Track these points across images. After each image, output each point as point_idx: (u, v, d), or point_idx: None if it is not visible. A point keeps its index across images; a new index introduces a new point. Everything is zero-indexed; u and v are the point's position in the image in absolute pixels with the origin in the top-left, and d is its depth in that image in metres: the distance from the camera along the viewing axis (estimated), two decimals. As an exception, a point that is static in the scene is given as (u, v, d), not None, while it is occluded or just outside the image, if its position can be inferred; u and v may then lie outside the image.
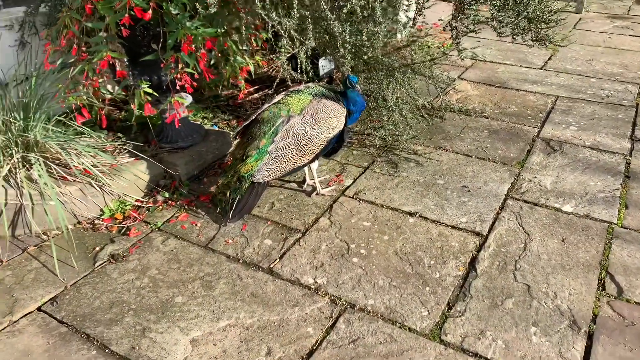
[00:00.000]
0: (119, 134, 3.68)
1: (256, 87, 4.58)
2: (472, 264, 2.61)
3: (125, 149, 3.52)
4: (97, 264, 2.68)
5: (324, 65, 4.37)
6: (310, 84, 3.08)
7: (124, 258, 2.72)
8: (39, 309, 2.40)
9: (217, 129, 3.98)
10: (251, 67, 3.58)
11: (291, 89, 3.05)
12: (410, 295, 2.42)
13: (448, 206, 3.05)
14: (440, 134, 3.93)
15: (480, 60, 5.57)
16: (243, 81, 3.70)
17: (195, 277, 2.56)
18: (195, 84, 2.84)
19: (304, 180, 3.32)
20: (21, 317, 2.35)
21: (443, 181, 3.31)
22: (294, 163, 2.91)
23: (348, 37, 2.81)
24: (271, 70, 4.82)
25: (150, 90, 2.96)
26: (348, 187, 3.29)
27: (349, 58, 2.91)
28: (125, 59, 3.14)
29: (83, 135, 3.38)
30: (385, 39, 3.55)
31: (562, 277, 2.50)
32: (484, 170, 3.42)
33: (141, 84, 2.97)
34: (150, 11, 2.49)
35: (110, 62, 2.69)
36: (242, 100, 4.32)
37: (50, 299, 2.45)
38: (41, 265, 2.67)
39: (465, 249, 2.71)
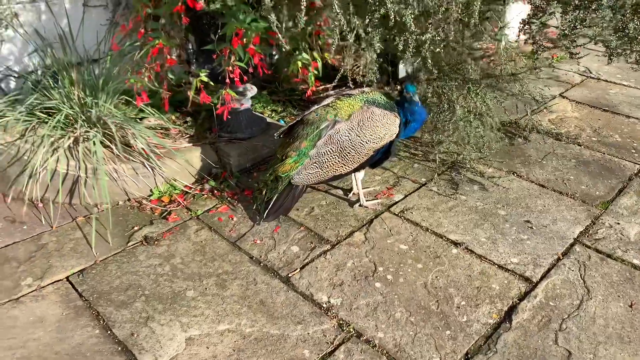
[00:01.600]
0: (188, 118, 3.79)
1: (331, 84, 4.45)
2: (509, 313, 2.27)
3: (187, 133, 3.61)
4: (129, 244, 2.75)
5: (402, 66, 4.12)
6: (366, 89, 2.89)
7: (156, 242, 2.77)
8: (67, 278, 2.52)
9: (283, 123, 3.93)
10: (319, 64, 3.46)
11: (345, 93, 2.88)
12: (426, 336, 2.16)
13: (502, 242, 2.70)
14: (518, 157, 3.52)
15: (593, 78, 4.92)
16: (312, 77, 3.60)
17: (213, 274, 2.53)
18: (245, 77, 2.79)
19: (351, 189, 3.14)
20: (49, 284, 2.48)
21: (505, 212, 2.94)
22: (335, 170, 2.76)
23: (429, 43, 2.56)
24: (346, 69, 4.65)
25: (206, 79, 2.97)
26: (396, 202, 3.05)
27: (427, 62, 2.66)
28: (191, 47, 3.19)
29: (150, 117, 3.52)
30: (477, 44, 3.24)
31: (617, 350, 2.08)
32: (557, 207, 2.98)
33: (200, 72, 2.99)
34: (201, 1, 2.46)
35: (163, 49, 2.72)
36: (313, 96, 4.22)
37: (79, 271, 2.56)
38: (82, 236, 2.81)
39: (507, 294, 2.37)
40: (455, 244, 2.70)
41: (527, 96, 3.65)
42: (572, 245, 2.67)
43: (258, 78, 4.28)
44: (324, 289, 2.42)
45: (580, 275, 2.46)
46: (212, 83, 2.97)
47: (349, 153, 2.71)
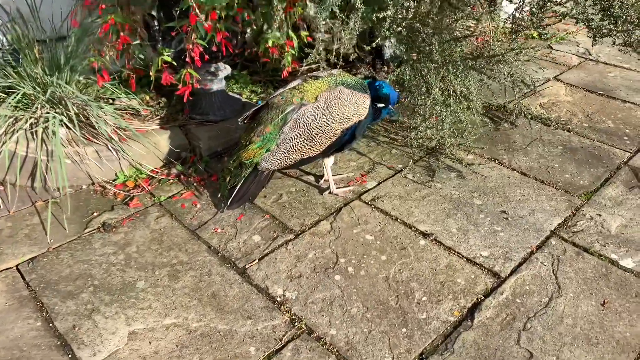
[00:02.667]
0: (163, 99, 3.66)
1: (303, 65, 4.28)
2: (472, 310, 2.14)
3: (158, 115, 3.48)
4: (86, 230, 2.65)
5: (389, 45, 3.93)
6: (334, 71, 2.74)
7: (114, 229, 2.66)
8: (16, 266, 2.42)
9: (260, 105, 3.78)
10: (295, 43, 3.29)
11: (312, 74, 2.73)
12: (381, 334, 2.04)
13: (473, 233, 2.56)
14: (502, 144, 3.34)
15: (592, 60, 4.69)
16: (289, 58, 3.43)
17: (168, 264, 2.42)
18: (207, 57, 2.64)
19: (323, 175, 3.00)
20: (-3, 272, 2.39)
21: (480, 201, 2.79)
22: (303, 154, 2.62)
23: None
24: (319, 48, 4.47)
25: (169, 59, 2.82)
26: (368, 190, 2.91)
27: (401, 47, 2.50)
28: (157, 24, 3.04)
29: (123, 97, 3.39)
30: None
31: (582, 352, 1.95)
32: (537, 196, 2.82)
33: (163, 50, 2.84)
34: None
35: (116, 26, 2.57)
36: (291, 78, 4.06)
37: (29, 259, 2.47)
38: (39, 222, 2.71)
39: (472, 290, 2.24)
40: (424, 234, 2.56)
41: (517, 79, 3.46)
42: (547, 238, 2.52)
43: (237, 57, 4.13)
44: (281, 282, 2.30)
45: (553, 270, 2.32)
46: (174, 63, 2.82)
47: (316, 134, 2.57)
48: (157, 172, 3.12)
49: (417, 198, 2.83)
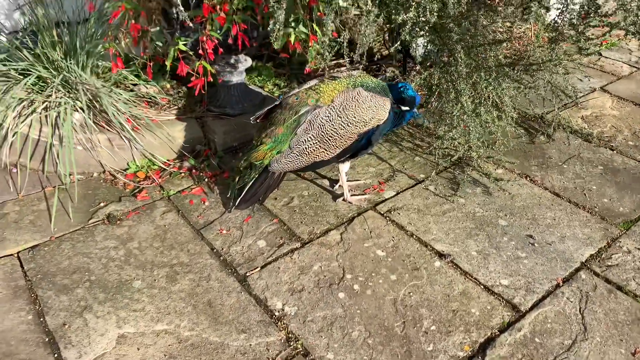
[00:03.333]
0: (184, 87, 3.56)
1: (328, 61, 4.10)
2: (485, 346, 1.95)
3: (176, 105, 3.39)
4: (91, 221, 2.58)
5: (421, 44, 3.71)
6: (354, 72, 2.57)
7: (118, 221, 2.59)
8: (17, 254, 2.37)
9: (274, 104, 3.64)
10: (319, 37, 3.12)
11: (330, 75, 2.57)
12: (381, 364, 1.89)
13: (494, 258, 2.36)
14: (536, 159, 3.10)
15: (645, 71, 4.34)
16: (313, 52, 3.27)
17: (167, 264, 2.33)
18: (221, 50, 2.51)
19: (339, 179, 2.85)
20: (-4, 258, 2.34)
21: (506, 222, 2.58)
22: (316, 157, 2.48)
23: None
24: (343, 45, 4.29)
25: (184, 48, 2.70)
26: (385, 200, 2.74)
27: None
28: (175, 11, 2.91)
29: (139, 85, 3.31)
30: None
31: (604, 409, 1.75)
32: (570, 221, 2.59)
33: (179, 40, 2.73)
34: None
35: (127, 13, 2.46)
36: (320, 73, 3.90)
37: (31, 247, 2.41)
38: (46, 208, 2.66)
39: (486, 322, 2.05)
40: (441, 255, 2.38)
41: (558, 88, 3.21)
42: (577, 270, 2.30)
43: (263, 48, 3.99)
44: (281, 294, 2.17)
45: (580, 308, 2.11)
46: (190, 53, 2.70)
47: (330, 137, 2.42)
48: (170, 165, 3.03)
49: (437, 213, 2.64)
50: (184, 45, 2.69)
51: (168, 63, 2.70)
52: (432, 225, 2.56)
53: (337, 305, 2.12)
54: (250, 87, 3.51)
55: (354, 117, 2.41)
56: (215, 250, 2.41)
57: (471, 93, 2.73)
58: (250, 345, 1.96)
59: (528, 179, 2.92)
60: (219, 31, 2.51)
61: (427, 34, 2.91)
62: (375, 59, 3.97)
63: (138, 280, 2.24)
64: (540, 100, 3.51)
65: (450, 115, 2.68)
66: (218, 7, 2.29)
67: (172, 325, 2.03)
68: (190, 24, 2.53)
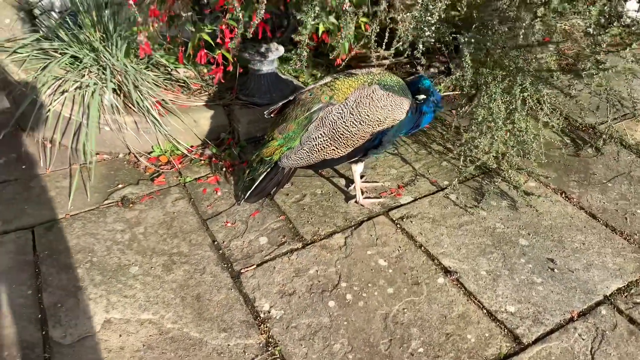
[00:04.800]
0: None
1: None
2: (473, 378, 1.80)
3: (206, 91, 3.39)
4: (105, 202, 2.65)
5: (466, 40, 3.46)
6: (373, 70, 2.42)
7: (131, 205, 2.63)
8: (32, 228, 2.47)
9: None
10: (351, 30, 3.00)
11: (348, 72, 2.44)
12: (357, 383, 1.79)
13: (505, 280, 2.17)
14: (577, 173, 2.82)
15: None
16: (346, 44, 3.15)
17: (167, 252, 2.34)
18: (239, 39, 2.45)
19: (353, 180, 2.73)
20: (13, 231, 2.45)
21: (527, 242, 2.37)
22: (326, 154, 2.39)
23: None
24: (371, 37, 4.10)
25: (207, 37, 2.68)
26: (399, 206, 2.60)
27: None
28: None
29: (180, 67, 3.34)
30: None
31: None
32: (601, 248, 2.33)
33: (203, 27, 2.71)
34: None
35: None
36: (353, 64, 3.76)
37: (46, 221, 2.51)
38: (67, 186, 2.75)
39: (481, 351, 1.89)
40: (447, 271, 2.22)
41: (614, 96, 2.90)
42: (598, 304, 2.07)
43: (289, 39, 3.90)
44: (271, 296, 2.12)
45: (591, 348, 1.89)
46: (210, 41, 2.67)
47: (341, 135, 2.32)
48: (192, 151, 3.04)
49: (453, 225, 2.47)
50: (208, 33, 2.66)
51: (190, 50, 2.69)
52: (444, 238, 2.39)
53: (324, 314, 2.04)
54: (282, 76, 3.45)
55: (367, 116, 2.29)
56: (216, 243, 2.39)
57: (505, 98, 2.50)
58: (228, 345, 1.92)
59: (563, 195, 2.66)
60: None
61: (463, 30, 2.70)
62: (419, 52, 3.76)
63: (136, 266, 2.27)
64: (597, 107, 3.18)
65: (476, 122, 2.47)
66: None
67: (157, 315, 2.04)
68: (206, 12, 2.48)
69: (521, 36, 2.35)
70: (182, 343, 1.93)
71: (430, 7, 1.87)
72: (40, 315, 2.04)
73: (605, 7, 1.76)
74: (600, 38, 1.80)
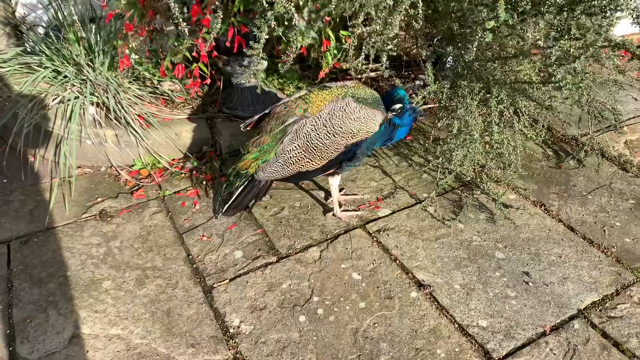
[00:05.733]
0: (205, 86, 3.58)
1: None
2: (441, 395, 1.78)
3: (190, 105, 3.40)
4: (84, 216, 2.65)
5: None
6: (349, 83, 2.43)
7: (109, 219, 2.63)
8: (8, 243, 2.46)
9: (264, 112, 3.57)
10: (332, 43, 3.02)
11: (322, 85, 2.45)
12: (323, 400, 1.77)
13: (478, 294, 2.15)
14: (558, 185, 2.81)
15: None
16: (330, 58, 3.17)
17: (140, 266, 2.33)
18: (215, 53, 2.47)
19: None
20: (-12, 245, 2.45)
21: (503, 255, 2.35)
22: (301, 167, 2.39)
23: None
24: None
25: (185, 52, 2.69)
26: (377, 219, 2.59)
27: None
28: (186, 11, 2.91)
29: (157, 83, 3.36)
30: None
31: None
32: (578, 261, 2.31)
33: (181, 41, 2.71)
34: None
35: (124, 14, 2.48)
36: (334, 78, 3.78)
37: (22, 236, 2.51)
38: (47, 199, 2.75)
39: (450, 367, 1.86)
40: (420, 285, 2.20)
41: (595, 108, 2.89)
42: (571, 318, 2.04)
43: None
44: (241, 311, 2.10)
45: (562, 364, 1.86)
46: (187, 54, 2.68)
47: (315, 147, 2.32)
48: (173, 164, 3.05)
49: (429, 238, 2.45)
50: (186, 48, 2.68)
51: (167, 63, 2.70)
52: (419, 251, 2.38)
53: (294, 329, 2.02)
54: (266, 89, 3.46)
55: (341, 128, 2.29)
56: (190, 257, 2.38)
57: (482, 110, 2.50)
58: (196, 361, 1.91)
59: (542, 207, 2.64)
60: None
61: (444, 42, 2.71)
62: (402, 64, 3.78)
63: (108, 280, 2.26)
64: (580, 119, 3.17)
65: (452, 133, 2.46)
66: (207, 9, 2.25)
67: (126, 330, 2.02)
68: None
69: (474, 49, 2.32)
70: (150, 359, 1.91)
71: (389, 20, 1.88)
72: (8, 331, 2.02)
73: (555, 20, 1.75)
74: (550, 51, 1.80)
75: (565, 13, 1.69)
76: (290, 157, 2.36)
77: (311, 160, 2.36)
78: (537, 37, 1.81)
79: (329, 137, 2.30)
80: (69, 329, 2.03)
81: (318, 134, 2.31)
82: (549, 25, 1.79)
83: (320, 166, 2.39)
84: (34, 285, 2.23)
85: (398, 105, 2.41)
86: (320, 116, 2.31)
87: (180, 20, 2.36)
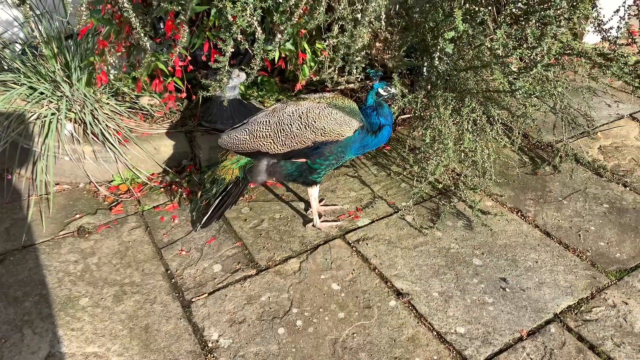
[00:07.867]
0: (185, 100, 3.58)
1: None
2: (419, 403, 1.78)
3: (169, 119, 3.40)
4: (61, 233, 2.62)
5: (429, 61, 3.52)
6: (326, 94, 2.46)
7: (87, 235, 2.61)
8: (-16, 261, 2.44)
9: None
10: (308, 55, 3.05)
11: (300, 96, 2.48)
12: (302, 412, 1.76)
13: (456, 301, 2.17)
14: (534, 191, 2.85)
15: (686, 97, 3.91)
16: (306, 70, 3.19)
17: (118, 282, 2.31)
18: (190, 67, 2.48)
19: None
20: (-37, 265, 2.41)
21: (481, 262, 2.37)
22: (262, 145, 2.41)
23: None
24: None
25: (162, 66, 2.70)
26: (357, 228, 2.60)
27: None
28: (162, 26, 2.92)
29: (146, 95, 3.35)
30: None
31: None
32: (554, 266, 2.34)
33: (159, 55, 2.73)
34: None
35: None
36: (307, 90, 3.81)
37: (-2, 255, 2.48)
38: (24, 217, 2.73)
39: (429, 375, 1.87)
40: (399, 293, 2.21)
41: (568, 115, 2.95)
42: (547, 322, 2.06)
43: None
44: (220, 325, 2.09)
45: (538, 368, 1.88)
46: (164, 69, 2.69)
47: (282, 131, 2.36)
48: (152, 179, 3.04)
49: (408, 246, 2.47)
50: (163, 62, 2.69)
51: (144, 77, 2.71)
52: (398, 260, 2.39)
53: (273, 342, 2.01)
54: (245, 102, 3.47)
55: (314, 122, 2.32)
56: (169, 272, 2.37)
57: (455, 119, 2.54)
58: (174, 377, 1.89)
59: (519, 214, 2.68)
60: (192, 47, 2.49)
61: (418, 53, 2.75)
62: (353, 76, 3.83)
63: (86, 297, 2.24)
64: (554, 126, 3.23)
65: (426, 142, 2.50)
66: (179, 24, 2.26)
67: (103, 348, 2.00)
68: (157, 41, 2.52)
69: (436, 60, 2.36)
70: (127, 376, 1.90)
71: (354, 32, 1.91)
72: (-17, 352, 2.00)
73: (513, 30, 1.80)
74: (507, 60, 1.84)
75: (522, 22, 1.74)
76: (257, 129, 2.39)
77: (273, 142, 2.37)
78: (496, 47, 1.85)
79: (300, 128, 2.33)
80: (45, 349, 2.00)
81: (291, 120, 2.34)
82: (507, 35, 1.84)
83: (281, 153, 2.39)
84: (9, 305, 2.20)
85: (383, 84, 2.43)
86: (298, 109, 2.34)
87: (142, 35, 2.38)
